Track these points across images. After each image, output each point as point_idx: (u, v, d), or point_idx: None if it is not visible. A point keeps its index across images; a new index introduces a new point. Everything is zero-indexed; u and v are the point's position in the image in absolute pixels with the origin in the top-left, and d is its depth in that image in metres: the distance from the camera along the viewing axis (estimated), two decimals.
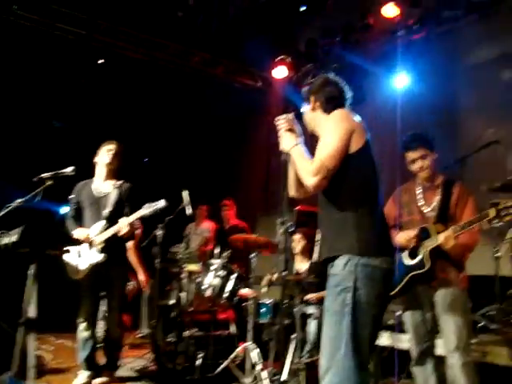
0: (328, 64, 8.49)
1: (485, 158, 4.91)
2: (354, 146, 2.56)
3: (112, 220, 4.38)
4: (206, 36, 8.29)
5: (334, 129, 2.57)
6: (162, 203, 4.20)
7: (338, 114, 2.66)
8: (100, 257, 4.36)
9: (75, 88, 7.88)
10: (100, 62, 8.24)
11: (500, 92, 6.49)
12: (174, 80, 8.60)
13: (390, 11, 7.07)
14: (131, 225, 4.32)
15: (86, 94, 7.93)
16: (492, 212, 3.16)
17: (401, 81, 7.36)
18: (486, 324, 4.63)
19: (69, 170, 4.14)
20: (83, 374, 4.41)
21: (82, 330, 4.45)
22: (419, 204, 3.63)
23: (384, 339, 4.56)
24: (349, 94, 2.87)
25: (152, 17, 7.85)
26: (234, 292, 5.07)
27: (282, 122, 2.78)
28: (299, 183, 2.73)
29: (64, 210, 6.42)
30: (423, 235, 3.47)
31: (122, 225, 4.27)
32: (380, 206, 2.66)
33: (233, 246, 5.42)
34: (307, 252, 5.37)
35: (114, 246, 4.40)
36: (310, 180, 2.52)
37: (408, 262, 3.53)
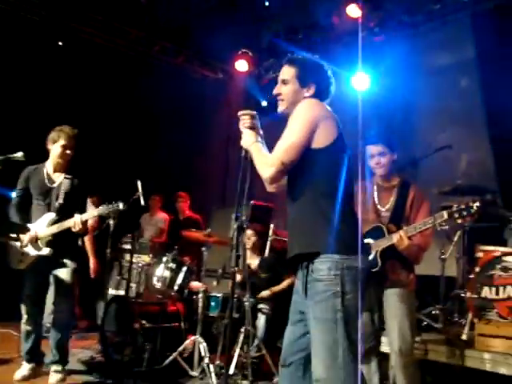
0: None
1: (437, 162, 5.05)
2: (323, 141, 2.47)
3: (62, 213, 4.21)
4: (168, 25, 8.19)
5: (297, 121, 2.49)
6: (119, 206, 4.05)
7: (307, 103, 2.55)
8: (46, 251, 4.19)
9: (31, 69, 7.65)
10: (60, 44, 8.03)
11: (454, 98, 6.67)
12: (133, 68, 8.47)
13: (353, 12, 7.14)
14: (85, 223, 4.14)
15: (43, 76, 7.71)
16: (445, 214, 3.24)
17: (361, 82, 7.46)
18: (429, 323, 4.77)
19: (19, 154, 4.02)
20: (25, 367, 4.29)
21: (25, 322, 4.31)
22: (375, 203, 3.65)
23: None
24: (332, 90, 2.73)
25: (115, 2, 7.71)
26: (184, 285, 5.06)
27: (245, 117, 2.70)
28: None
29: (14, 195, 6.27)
30: (376, 235, 3.50)
31: (76, 222, 4.08)
32: (353, 202, 2.59)
33: (185, 239, 5.41)
34: (258, 248, 5.40)
35: (63, 240, 4.22)
36: (265, 173, 2.47)
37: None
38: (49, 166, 4.41)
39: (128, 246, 6.37)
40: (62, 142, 4.32)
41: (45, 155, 4.51)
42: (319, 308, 2.35)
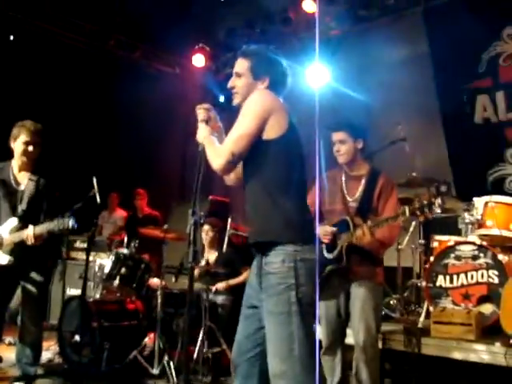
0: None
1: (392, 155, 5.13)
2: (275, 131, 2.45)
3: (25, 219, 3.99)
4: (123, 19, 8.06)
5: (247, 112, 2.46)
6: (71, 223, 3.88)
7: (258, 94, 2.52)
8: (6, 259, 3.97)
9: None
10: (11, 38, 7.80)
11: (409, 91, 6.79)
12: (88, 62, 8.29)
13: (309, 7, 7.17)
14: (38, 237, 3.89)
15: None
16: (407, 212, 3.22)
17: (317, 75, 7.50)
18: (387, 313, 4.85)
19: None
20: None
21: None
22: (343, 193, 3.57)
23: None
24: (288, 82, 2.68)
25: None
26: (142, 282, 5.00)
27: (201, 111, 2.68)
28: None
29: None
30: (342, 228, 3.43)
31: (29, 235, 3.86)
32: (305, 192, 2.58)
33: (143, 236, 5.35)
34: (216, 242, 5.37)
35: (27, 250, 3.97)
36: (215, 164, 2.47)
37: (326, 255, 3.49)
38: (14, 166, 4.15)
39: (84, 245, 6.26)
40: (23, 138, 4.05)
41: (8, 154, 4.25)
42: (273, 301, 2.33)
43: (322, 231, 3.46)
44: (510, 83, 6.08)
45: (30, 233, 3.86)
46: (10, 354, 4.64)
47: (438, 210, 3.17)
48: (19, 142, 4.08)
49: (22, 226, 3.98)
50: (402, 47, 7.13)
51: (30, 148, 4.08)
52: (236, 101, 2.66)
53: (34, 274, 4.07)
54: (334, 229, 3.46)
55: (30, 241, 3.87)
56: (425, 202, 3.17)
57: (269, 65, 2.62)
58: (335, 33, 7.50)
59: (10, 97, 7.46)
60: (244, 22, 7.93)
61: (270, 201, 2.41)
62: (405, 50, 7.10)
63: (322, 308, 3.57)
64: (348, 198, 3.55)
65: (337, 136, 3.55)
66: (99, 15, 8.07)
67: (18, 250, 3.97)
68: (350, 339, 3.75)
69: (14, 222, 4.04)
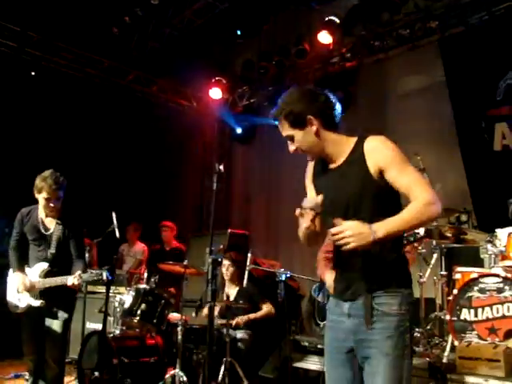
0: (263, 87, 8.62)
1: None
2: None
3: (55, 263, 4.10)
4: (141, 55, 8.21)
5: (402, 158, 2.26)
6: (104, 275, 3.99)
7: (387, 143, 2.30)
8: (37, 303, 4.07)
9: (3, 101, 7.57)
10: (32, 74, 7.98)
11: (427, 120, 6.78)
12: (107, 98, 8.44)
13: (324, 38, 7.25)
14: (76, 285, 4.01)
15: (15, 108, 7.63)
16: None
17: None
18: (412, 347, 4.74)
19: None
20: None
21: (28, 362, 4.22)
22: None
23: (313, 363, 4.60)
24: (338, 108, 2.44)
25: (87, 32, 7.70)
26: (162, 317, 4.97)
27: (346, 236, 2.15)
28: (312, 235, 2.41)
29: None
30: None
31: (69, 282, 3.95)
32: None
33: (163, 270, 5.34)
34: (236, 277, 5.33)
35: (56, 291, 4.06)
36: (436, 211, 2.19)
37: None
38: (41, 212, 4.24)
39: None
40: (45, 194, 4.09)
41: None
42: (392, 343, 2.25)
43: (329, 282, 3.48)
44: None
45: (69, 284, 3.95)
46: None
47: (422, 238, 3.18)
48: (41, 197, 4.13)
49: (52, 269, 4.09)
50: (418, 76, 7.16)
51: (52, 204, 4.13)
52: (309, 157, 2.51)
53: (60, 313, 4.13)
54: None
55: (72, 285, 3.96)
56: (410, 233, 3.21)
57: (304, 109, 2.36)
58: (351, 64, 7.55)
59: (30, 130, 7.61)
60: (260, 54, 8.02)
61: (386, 245, 2.25)
62: (421, 79, 7.12)
63: None
64: None
65: None
66: (117, 51, 8.23)
67: (48, 292, 4.06)
68: None
69: (43, 266, 4.13)
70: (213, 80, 8.60)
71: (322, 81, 7.64)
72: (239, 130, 8.82)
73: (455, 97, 6.52)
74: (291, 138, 2.40)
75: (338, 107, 2.41)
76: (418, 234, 3.15)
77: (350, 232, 2.08)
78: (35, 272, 4.15)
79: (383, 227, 2.11)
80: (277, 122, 2.42)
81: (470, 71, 6.34)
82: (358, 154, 2.31)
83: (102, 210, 5.54)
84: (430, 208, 2.16)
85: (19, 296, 4.15)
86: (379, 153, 2.25)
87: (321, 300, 3.76)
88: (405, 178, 2.22)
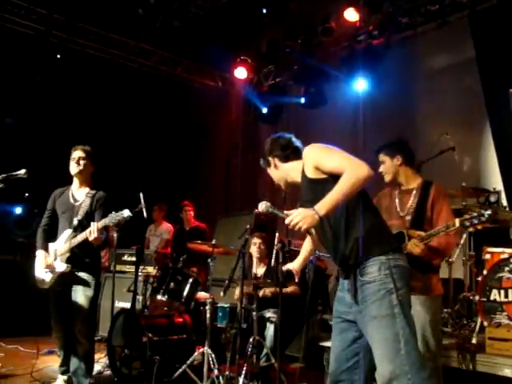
0: (289, 66, 8.54)
1: (441, 164, 5.03)
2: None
3: (80, 229, 4.19)
4: (166, 35, 8.19)
5: (326, 148, 2.70)
6: (125, 213, 4.03)
7: (312, 147, 2.72)
8: (63, 267, 4.18)
9: (31, 84, 7.66)
10: (58, 56, 8.04)
11: (455, 98, 6.65)
12: (132, 78, 8.47)
13: (351, 16, 7.14)
14: (100, 230, 4.05)
15: (43, 91, 7.72)
16: (457, 223, 3.19)
17: (361, 85, 7.45)
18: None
19: (21, 172, 4.02)
20: (59, 379, 4.39)
21: (54, 338, 4.38)
22: (396, 208, 3.62)
23: None
24: (298, 142, 2.96)
25: (112, 13, 7.72)
26: (190, 296, 5.02)
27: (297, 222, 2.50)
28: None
29: (18, 210, 6.29)
30: (399, 241, 3.35)
31: (91, 229, 4.03)
32: (376, 209, 2.82)
33: (190, 249, 5.38)
34: (265, 256, 5.36)
35: (81, 254, 4.22)
36: (366, 170, 2.50)
37: None
38: (74, 185, 4.46)
39: (132, 258, 6.35)
40: (73, 155, 4.38)
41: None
42: (375, 307, 2.49)
43: None
44: None
45: (93, 226, 4.02)
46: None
47: (487, 221, 3.12)
48: (71, 162, 4.39)
49: (76, 235, 4.17)
50: (446, 53, 7.02)
51: (80, 167, 4.36)
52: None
53: (85, 275, 4.25)
54: None
55: (93, 234, 4.02)
56: (474, 214, 3.14)
57: (272, 147, 2.97)
58: (378, 41, 7.42)
59: (57, 113, 7.69)
60: (285, 33, 7.93)
61: (352, 225, 2.60)
62: (450, 56, 6.98)
63: None
64: (400, 213, 3.58)
65: (379, 158, 3.67)
66: (142, 32, 8.23)
67: (73, 256, 4.20)
68: None
69: (68, 232, 4.25)
70: (238, 59, 8.55)
71: (348, 59, 7.54)
72: (265, 110, 8.77)
73: (485, 73, 6.37)
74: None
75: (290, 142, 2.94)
76: (483, 216, 3.09)
77: (299, 217, 2.44)
78: (61, 240, 4.26)
79: (322, 204, 2.46)
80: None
81: (501, 46, 6.17)
82: (301, 168, 2.75)
83: (129, 190, 5.59)
84: (355, 171, 2.49)
85: (45, 270, 4.25)
86: (308, 157, 2.70)
87: None
88: (333, 162, 2.59)
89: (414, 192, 3.57)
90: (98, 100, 8.09)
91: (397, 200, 3.63)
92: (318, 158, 2.65)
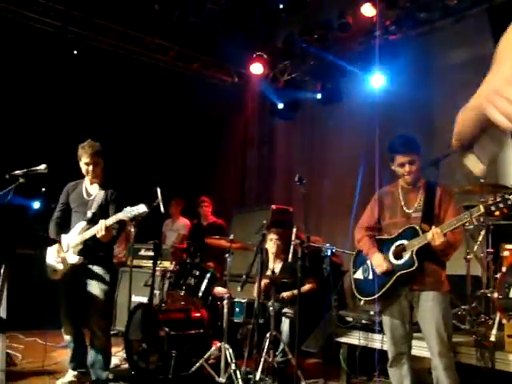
0: (305, 62, 8.52)
1: (458, 161, 4.98)
2: None
3: (93, 222, 4.23)
4: (182, 30, 8.21)
5: None
6: (141, 208, 4.06)
7: None
8: (75, 259, 4.24)
9: (49, 80, 7.72)
10: (75, 52, 8.10)
11: (473, 94, 6.57)
12: (149, 74, 8.50)
13: (368, 11, 7.09)
14: (108, 228, 4.10)
15: (60, 86, 7.78)
16: (481, 208, 3.18)
17: (378, 80, 7.41)
18: (457, 324, 4.70)
19: (41, 167, 4.07)
20: (69, 374, 4.41)
21: (63, 333, 4.40)
22: (402, 206, 3.65)
23: (357, 338, 4.62)
24: None
25: (128, 9, 7.75)
26: (207, 291, 5.05)
27: None
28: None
29: (36, 205, 6.35)
30: (410, 235, 3.50)
31: (99, 227, 4.09)
32: None
33: (208, 244, 5.41)
34: (282, 252, 5.37)
35: (94, 247, 4.25)
36: None
37: (394, 261, 3.54)
38: (86, 180, 4.51)
39: (149, 253, 6.39)
40: (84, 160, 4.39)
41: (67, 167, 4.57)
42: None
43: (380, 262, 3.57)
44: None
45: (101, 224, 4.07)
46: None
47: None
48: (82, 164, 4.43)
49: (89, 228, 4.21)
50: (465, 48, 6.94)
51: (91, 168, 4.40)
52: None
53: (98, 269, 4.29)
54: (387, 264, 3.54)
55: (101, 232, 4.06)
56: (499, 199, 3.12)
57: None
58: (395, 37, 7.37)
59: (73, 109, 7.75)
60: (302, 28, 7.90)
61: None
62: (468, 51, 6.90)
63: (387, 319, 3.63)
64: (407, 210, 3.63)
65: (406, 158, 3.62)
66: (159, 27, 8.26)
67: (85, 248, 4.24)
68: (419, 351, 3.74)
69: (81, 224, 4.29)
70: (254, 55, 8.55)
71: (365, 54, 7.50)
72: (281, 106, 8.76)
73: None
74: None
75: None
76: (509, 200, 3.08)
77: None
78: (74, 232, 4.30)
79: None
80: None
81: None
82: None
83: (146, 185, 5.63)
84: None
85: (57, 259, 4.30)
86: None
87: (359, 276, 3.76)
88: None
89: (421, 190, 3.63)
90: (115, 96, 8.14)
91: (401, 198, 3.67)
92: None
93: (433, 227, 3.37)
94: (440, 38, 7.13)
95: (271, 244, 5.28)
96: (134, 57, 8.55)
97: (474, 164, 1.22)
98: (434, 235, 3.32)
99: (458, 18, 6.79)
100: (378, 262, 3.59)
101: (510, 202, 3.07)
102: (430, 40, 7.20)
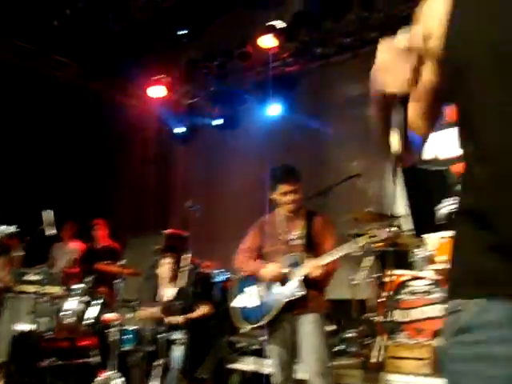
0: (206, 87, 8.62)
1: (347, 190, 5.22)
2: None
3: None
4: (84, 48, 8.01)
5: None
6: (11, 229, 3.88)
7: None
8: None
9: None
10: None
11: (363, 127, 6.94)
12: (47, 90, 8.18)
13: (267, 42, 7.30)
14: None
15: None
16: (360, 241, 3.38)
17: (274, 110, 7.65)
18: (345, 347, 4.88)
19: None
20: None
21: None
22: (283, 234, 3.74)
23: (248, 364, 4.65)
24: None
25: (27, 24, 7.46)
26: (97, 318, 4.88)
27: None
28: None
29: None
30: (292, 263, 3.60)
31: None
32: None
33: (99, 269, 5.24)
34: (175, 276, 5.30)
35: None
36: None
37: (279, 290, 3.62)
38: None
39: (35, 277, 6.07)
40: None
41: None
42: None
43: (274, 270, 3.63)
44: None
45: None
46: None
47: (388, 241, 3.32)
48: None
49: None
50: (358, 83, 7.33)
51: None
52: None
53: None
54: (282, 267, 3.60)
55: None
56: (375, 233, 3.37)
57: None
58: (292, 69, 7.65)
59: None
60: (204, 55, 8.00)
61: None
62: (362, 86, 7.28)
63: (273, 345, 3.68)
64: (288, 238, 3.73)
65: (290, 187, 3.72)
66: (58, 44, 8.02)
67: None
68: (301, 375, 3.85)
69: None
70: (154, 78, 8.50)
71: (262, 84, 7.72)
72: (180, 130, 8.76)
73: None
74: None
75: None
76: (379, 237, 3.32)
77: None
78: None
79: None
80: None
81: None
82: None
83: (37, 208, 5.39)
84: None
85: None
86: None
87: (244, 303, 3.82)
88: None
89: (302, 218, 3.76)
90: (14, 113, 7.75)
91: (282, 226, 3.78)
92: None
93: (312, 260, 3.51)
94: (335, 72, 7.49)
95: (166, 268, 5.19)
96: (33, 72, 8.20)
97: (395, 142, 1.29)
98: (313, 268, 3.48)
99: (352, 55, 7.17)
100: (274, 269, 3.63)
101: (383, 237, 3.31)
102: (326, 73, 7.54)
